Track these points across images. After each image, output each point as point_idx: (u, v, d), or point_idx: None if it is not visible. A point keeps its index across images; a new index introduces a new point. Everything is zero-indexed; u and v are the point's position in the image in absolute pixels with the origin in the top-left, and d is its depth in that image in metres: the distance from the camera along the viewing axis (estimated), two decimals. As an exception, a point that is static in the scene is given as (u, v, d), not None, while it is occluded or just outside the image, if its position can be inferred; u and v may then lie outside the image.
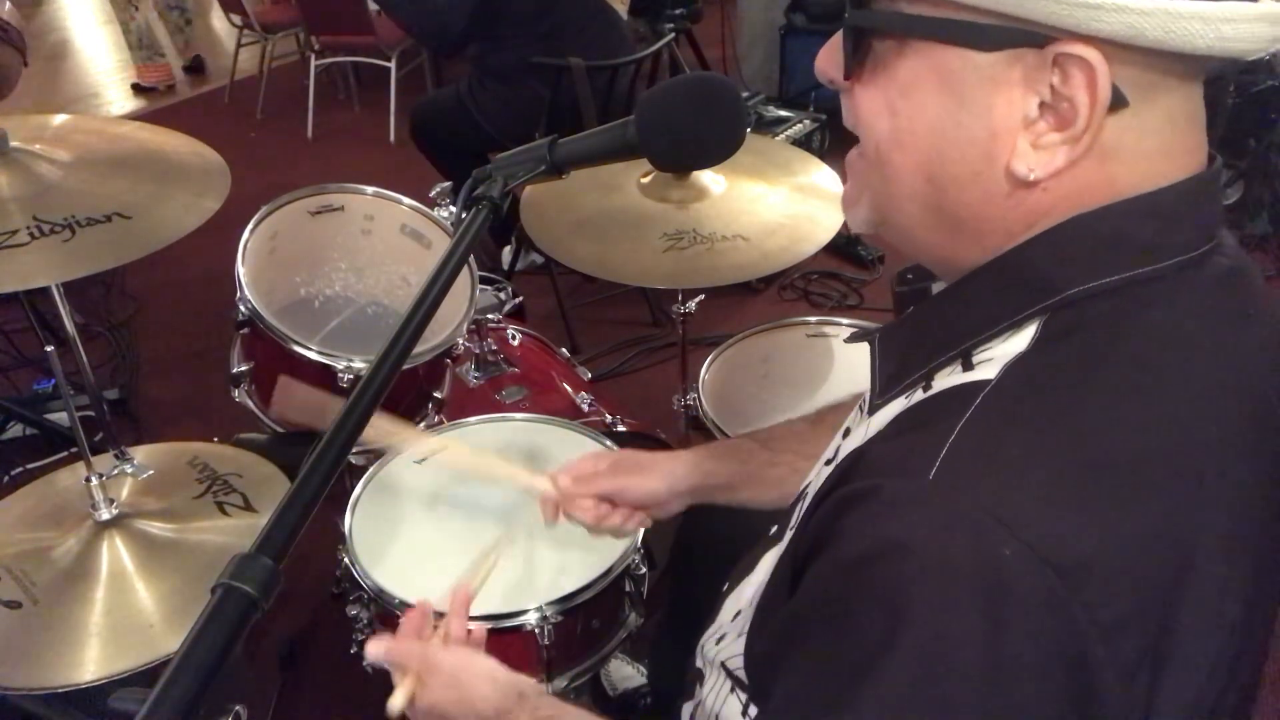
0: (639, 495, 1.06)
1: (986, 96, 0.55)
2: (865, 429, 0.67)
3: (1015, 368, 0.56)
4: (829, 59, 0.62)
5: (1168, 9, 0.49)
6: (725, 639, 0.75)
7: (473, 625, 0.94)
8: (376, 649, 0.87)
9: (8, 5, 2.61)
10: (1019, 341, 0.58)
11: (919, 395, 0.62)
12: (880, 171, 0.62)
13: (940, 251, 0.64)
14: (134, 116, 4.85)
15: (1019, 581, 0.49)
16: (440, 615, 0.93)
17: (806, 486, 0.77)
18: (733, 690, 0.74)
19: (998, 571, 0.49)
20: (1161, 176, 0.56)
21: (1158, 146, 0.56)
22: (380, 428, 1.27)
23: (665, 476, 1.06)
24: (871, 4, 0.58)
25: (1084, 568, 0.50)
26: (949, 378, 0.60)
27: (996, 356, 0.58)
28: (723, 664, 0.75)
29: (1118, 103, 0.53)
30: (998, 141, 0.56)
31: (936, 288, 0.69)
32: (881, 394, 0.66)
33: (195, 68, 5.42)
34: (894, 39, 0.58)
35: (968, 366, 0.59)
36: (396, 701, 0.84)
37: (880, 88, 0.60)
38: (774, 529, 0.79)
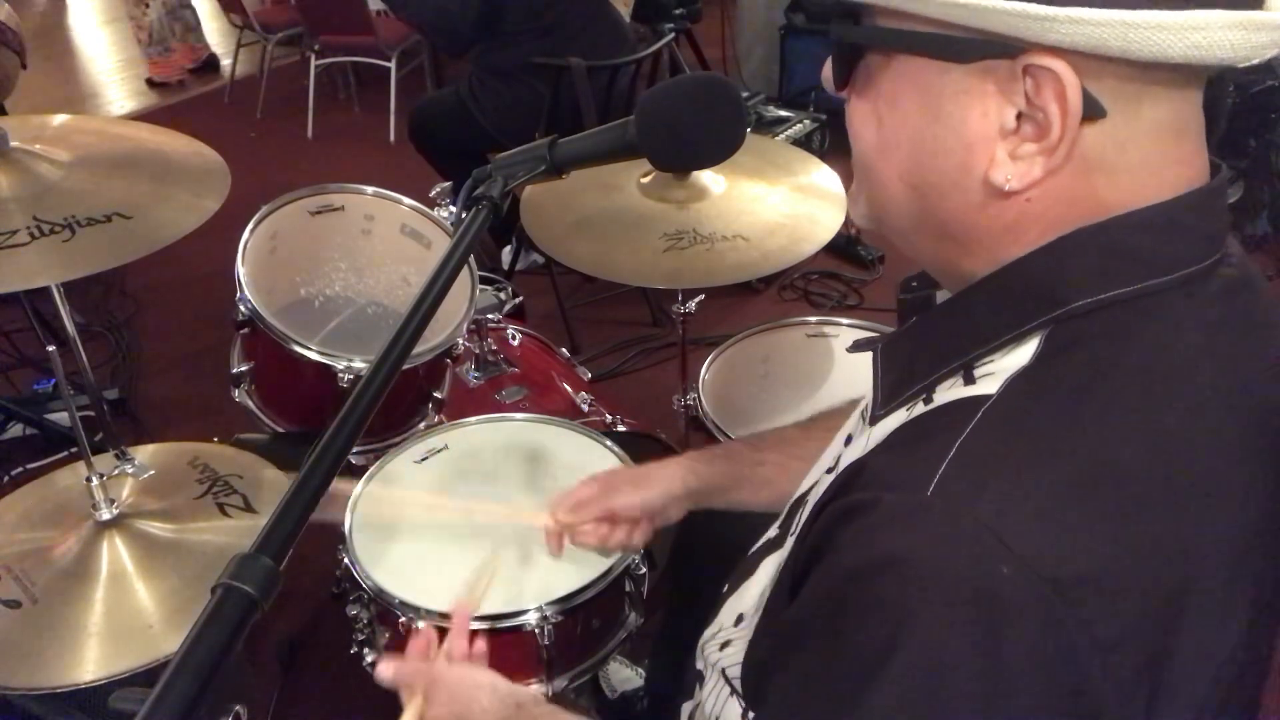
0: (637, 509, 1.08)
1: (961, 109, 0.55)
2: (866, 439, 0.66)
3: (1017, 382, 0.56)
4: (829, 70, 0.64)
5: (1124, 20, 0.48)
6: (730, 646, 0.74)
7: (475, 626, 0.96)
8: (385, 672, 0.91)
9: (6, 8, 2.61)
10: (1021, 355, 0.57)
11: (920, 408, 0.62)
12: (869, 179, 0.64)
13: (936, 257, 0.64)
14: (135, 116, 4.85)
15: (1016, 598, 0.49)
16: (444, 631, 0.96)
17: (808, 492, 0.77)
18: (732, 694, 0.74)
19: (995, 588, 0.49)
20: (1151, 189, 0.55)
21: (1144, 158, 0.55)
22: (366, 495, 1.29)
23: (660, 485, 1.07)
24: (856, 19, 0.59)
25: (1082, 585, 0.49)
26: (950, 391, 0.60)
27: (998, 370, 0.57)
28: (723, 670, 0.75)
29: (1094, 113, 0.52)
30: (973, 153, 0.56)
31: (940, 296, 0.69)
32: (883, 405, 0.65)
33: (208, 65, 5.41)
34: (879, 53, 0.59)
35: (969, 380, 0.59)
36: None
37: (869, 99, 0.61)
38: (775, 532, 0.78)
